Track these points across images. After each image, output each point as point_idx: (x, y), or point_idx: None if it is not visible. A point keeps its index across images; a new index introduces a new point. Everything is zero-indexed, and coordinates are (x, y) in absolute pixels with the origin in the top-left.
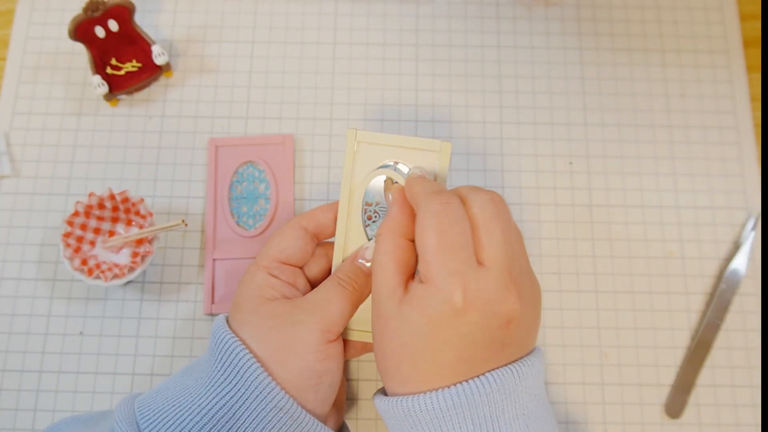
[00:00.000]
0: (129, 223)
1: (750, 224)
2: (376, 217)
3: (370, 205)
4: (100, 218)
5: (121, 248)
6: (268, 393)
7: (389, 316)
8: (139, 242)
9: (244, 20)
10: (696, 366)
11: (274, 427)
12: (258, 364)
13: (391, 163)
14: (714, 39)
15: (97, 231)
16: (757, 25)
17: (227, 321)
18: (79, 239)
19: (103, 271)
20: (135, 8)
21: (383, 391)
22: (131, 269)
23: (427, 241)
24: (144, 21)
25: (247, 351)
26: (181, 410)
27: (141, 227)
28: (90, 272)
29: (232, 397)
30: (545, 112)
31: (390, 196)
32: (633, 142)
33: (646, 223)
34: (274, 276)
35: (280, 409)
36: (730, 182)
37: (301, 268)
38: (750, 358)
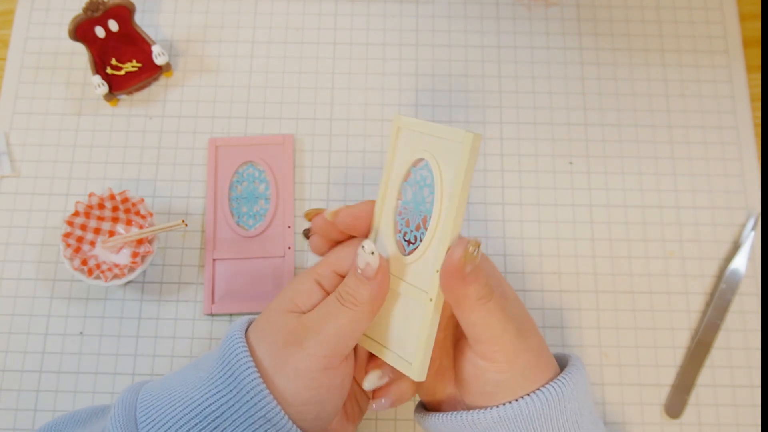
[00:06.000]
0: (129, 223)
1: (750, 224)
2: (405, 213)
3: (401, 199)
4: (100, 218)
5: (121, 248)
6: (259, 401)
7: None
8: (139, 242)
9: (244, 20)
10: (696, 366)
11: None
12: (257, 373)
13: (424, 162)
14: (714, 39)
15: (97, 231)
16: (757, 25)
17: (249, 322)
18: (79, 239)
19: (103, 271)
20: (135, 8)
21: (424, 409)
22: (131, 269)
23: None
24: (144, 21)
25: (249, 359)
26: (174, 400)
27: (141, 227)
28: (90, 272)
29: (223, 396)
30: (545, 112)
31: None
32: (633, 142)
33: (646, 223)
34: (318, 283)
35: (269, 421)
36: (730, 182)
37: None
38: (750, 358)
